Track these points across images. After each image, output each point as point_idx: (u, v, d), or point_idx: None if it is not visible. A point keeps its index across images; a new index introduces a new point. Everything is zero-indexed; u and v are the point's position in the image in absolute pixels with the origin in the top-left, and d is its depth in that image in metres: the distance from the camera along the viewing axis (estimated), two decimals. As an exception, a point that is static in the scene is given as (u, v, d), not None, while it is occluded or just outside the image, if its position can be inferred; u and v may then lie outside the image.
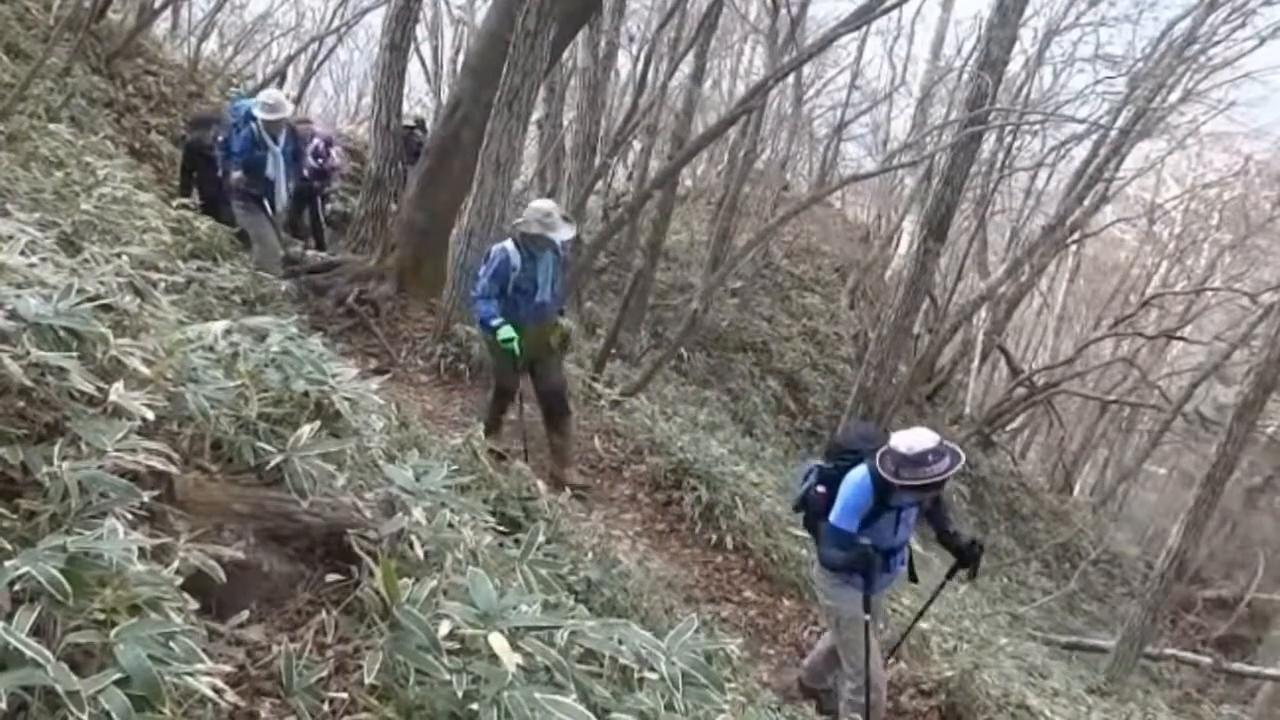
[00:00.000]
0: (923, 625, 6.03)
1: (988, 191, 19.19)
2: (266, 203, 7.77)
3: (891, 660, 5.68)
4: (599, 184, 15.23)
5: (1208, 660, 13.31)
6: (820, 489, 4.55)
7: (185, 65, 12.27)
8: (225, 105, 9.83)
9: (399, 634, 2.14)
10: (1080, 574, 15.69)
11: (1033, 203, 22.12)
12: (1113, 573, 18.39)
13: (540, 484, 4.62)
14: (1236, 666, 13.55)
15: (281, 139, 7.65)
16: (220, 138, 7.91)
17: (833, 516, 4.33)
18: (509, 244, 5.99)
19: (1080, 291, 27.99)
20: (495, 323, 5.91)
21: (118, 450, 2.09)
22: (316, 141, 9.84)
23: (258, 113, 7.44)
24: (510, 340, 5.86)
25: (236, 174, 7.56)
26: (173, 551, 2.06)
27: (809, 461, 4.97)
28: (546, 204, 6.13)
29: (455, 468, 3.04)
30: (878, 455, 4.18)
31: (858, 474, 4.30)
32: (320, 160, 9.87)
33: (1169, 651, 12.90)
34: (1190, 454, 21.25)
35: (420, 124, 11.56)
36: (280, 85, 17.82)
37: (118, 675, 1.68)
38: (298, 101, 18.90)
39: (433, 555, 2.49)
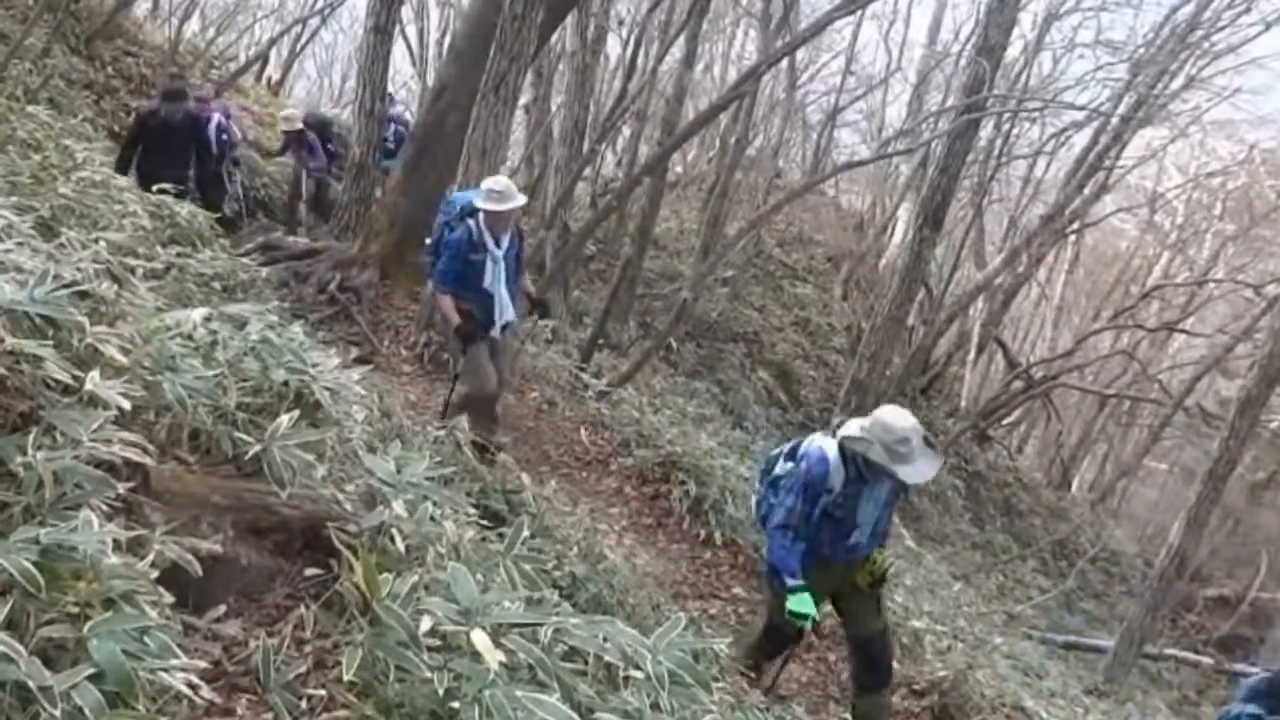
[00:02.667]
0: (916, 624, 6.01)
1: (985, 180, 19.06)
2: (480, 318, 5.93)
3: None
4: (587, 170, 15.16)
5: (1208, 661, 13.23)
6: None
7: (166, 47, 12.17)
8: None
9: (379, 630, 2.11)
10: (1078, 572, 15.46)
11: (1031, 191, 21.87)
12: (1111, 571, 18.30)
13: (524, 476, 4.59)
14: (1238, 667, 13.42)
15: (505, 239, 5.89)
16: (428, 241, 6.36)
17: None
18: (832, 451, 4.23)
19: (1079, 282, 27.72)
20: (791, 582, 4.20)
21: (93, 440, 2.06)
22: (218, 117, 9.36)
23: (480, 204, 5.73)
24: (804, 618, 4.16)
25: (444, 289, 5.88)
26: (148, 544, 2.03)
27: (1237, 706, 3.40)
28: (904, 420, 4.11)
29: (438, 460, 3.01)
30: None
31: None
32: (224, 136, 9.50)
33: (1169, 651, 12.79)
34: (1191, 449, 21.09)
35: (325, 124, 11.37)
36: (263, 68, 17.73)
37: (91, 670, 1.65)
38: (281, 84, 18.82)
39: (414, 549, 2.46)
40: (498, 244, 5.84)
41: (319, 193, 10.93)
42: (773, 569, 4.37)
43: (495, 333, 5.97)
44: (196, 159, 8.54)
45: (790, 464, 4.37)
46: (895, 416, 4.12)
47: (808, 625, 4.22)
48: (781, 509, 4.24)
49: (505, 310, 5.96)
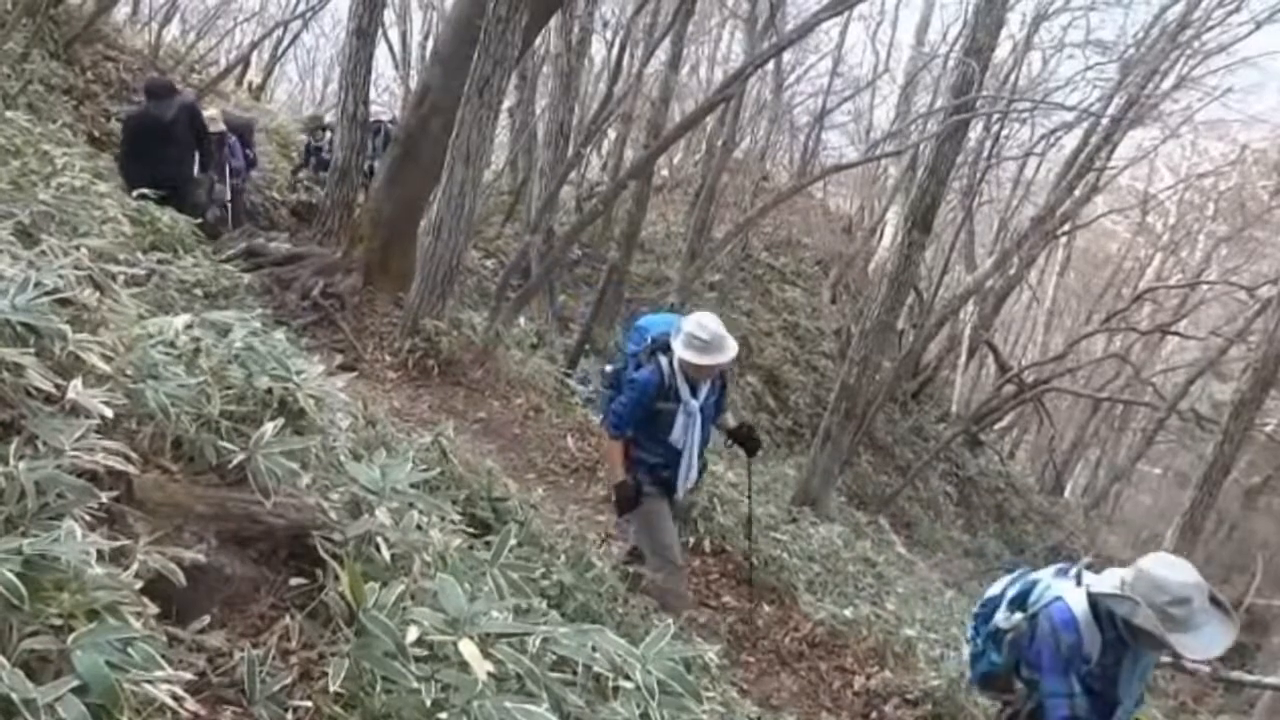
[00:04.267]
0: (908, 632, 5.99)
1: (975, 182, 19.04)
2: (661, 478, 4.86)
3: (875, 668, 5.65)
4: (572, 174, 15.16)
5: (1205, 668, 13.09)
6: None
7: (146, 51, 12.10)
8: None
9: (365, 640, 2.09)
10: None
11: (1021, 193, 21.89)
12: (1105, 577, 18.31)
13: (511, 483, 4.56)
14: (1235, 675, 13.22)
15: (704, 389, 4.77)
16: (608, 368, 5.35)
17: None
18: (1079, 608, 3.28)
19: (1071, 285, 27.73)
20: None
21: (75, 449, 2.04)
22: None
23: (680, 351, 4.56)
24: None
25: (616, 434, 4.77)
26: (131, 554, 2.01)
27: None
28: (1180, 574, 3.15)
29: (423, 467, 3.00)
30: None
31: None
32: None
33: (1164, 659, 12.72)
34: (1185, 454, 21.03)
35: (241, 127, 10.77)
36: (245, 72, 17.63)
37: (75, 683, 1.64)
38: (262, 87, 18.73)
39: (400, 558, 2.44)
40: (694, 392, 4.72)
41: (235, 198, 10.38)
42: None
43: (678, 495, 4.95)
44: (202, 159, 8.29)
45: (1018, 615, 3.45)
46: (1168, 570, 3.16)
47: None
48: (1060, 701, 3.24)
49: (692, 472, 4.88)
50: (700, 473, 5.05)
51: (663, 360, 4.66)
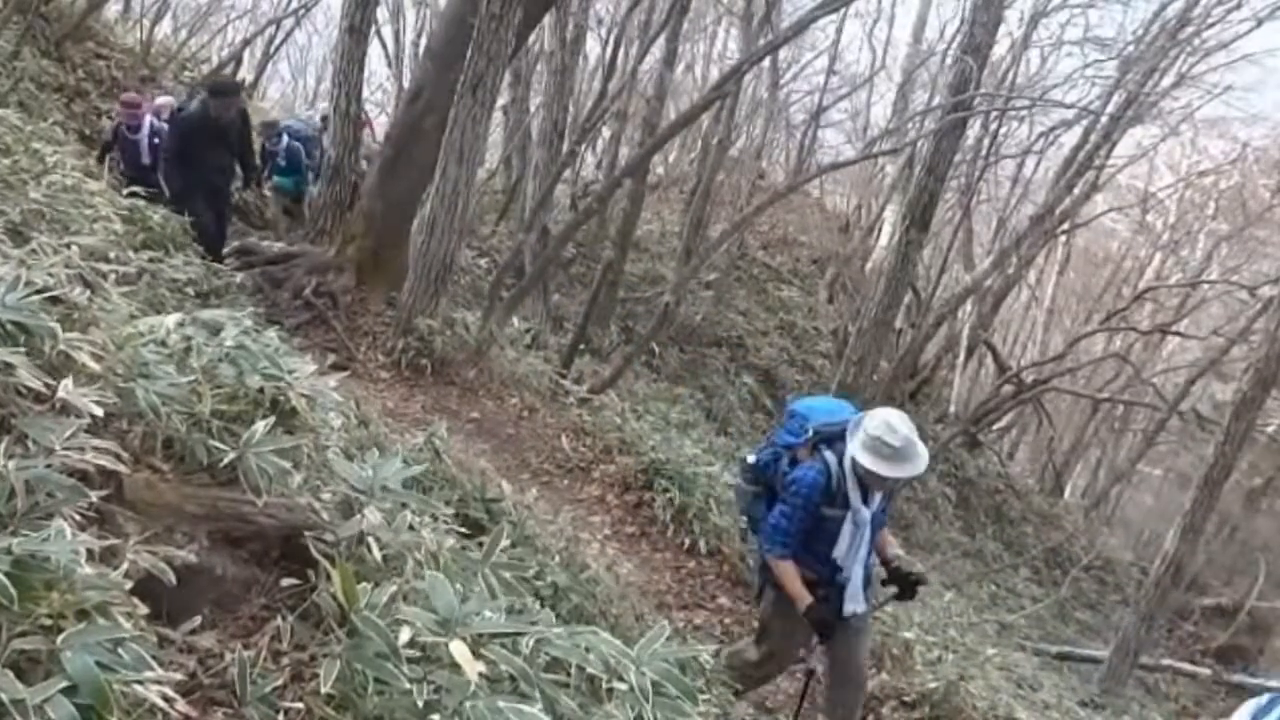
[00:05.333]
0: (906, 634, 5.96)
1: (972, 180, 18.86)
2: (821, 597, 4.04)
3: (873, 671, 5.64)
4: (567, 172, 15.12)
5: (1206, 671, 13.04)
6: None
7: (138, 49, 12.05)
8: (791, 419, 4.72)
9: (357, 641, 2.08)
10: (1071, 581, 15.35)
11: (1020, 191, 21.73)
12: (1105, 579, 18.24)
13: (505, 484, 4.55)
14: (1237, 678, 13.22)
15: (876, 495, 4.02)
16: (750, 458, 4.41)
17: None
18: None
19: (1070, 284, 27.52)
20: None
21: (66, 448, 2.03)
22: (150, 119, 8.36)
23: (861, 454, 3.81)
24: None
25: (782, 555, 3.99)
26: (122, 554, 2.00)
27: None
28: None
29: (416, 467, 2.99)
30: None
31: None
32: (156, 140, 8.47)
33: (1165, 662, 12.75)
34: (1186, 454, 20.85)
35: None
36: (237, 69, 17.55)
37: (64, 683, 1.62)
38: (254, 85, 18.65)
39: (392, 559, 2.43)
40: (865, 498, 3.95)
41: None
42: None
43: (853, 605, 4.10)
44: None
45: None
46: None
47: None
48: None
49: (858, 594, 4.07)
50: (867, 588, 4.17)
51: (829, 456, 3.94)
